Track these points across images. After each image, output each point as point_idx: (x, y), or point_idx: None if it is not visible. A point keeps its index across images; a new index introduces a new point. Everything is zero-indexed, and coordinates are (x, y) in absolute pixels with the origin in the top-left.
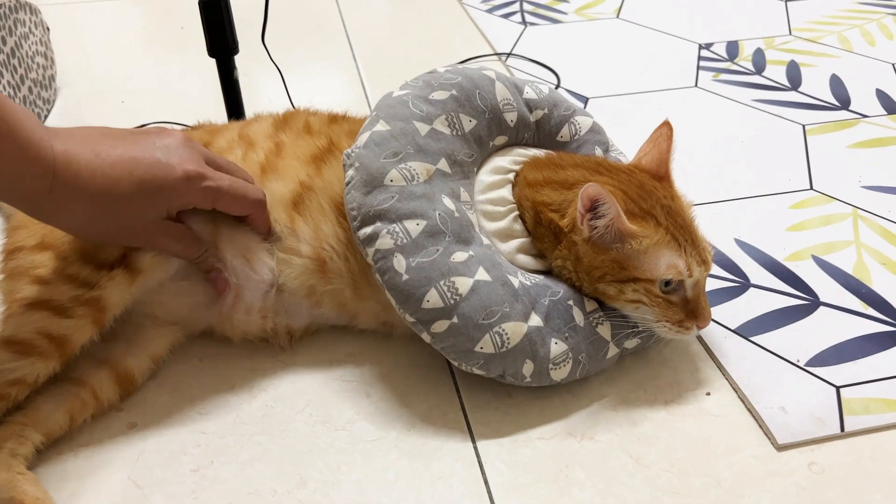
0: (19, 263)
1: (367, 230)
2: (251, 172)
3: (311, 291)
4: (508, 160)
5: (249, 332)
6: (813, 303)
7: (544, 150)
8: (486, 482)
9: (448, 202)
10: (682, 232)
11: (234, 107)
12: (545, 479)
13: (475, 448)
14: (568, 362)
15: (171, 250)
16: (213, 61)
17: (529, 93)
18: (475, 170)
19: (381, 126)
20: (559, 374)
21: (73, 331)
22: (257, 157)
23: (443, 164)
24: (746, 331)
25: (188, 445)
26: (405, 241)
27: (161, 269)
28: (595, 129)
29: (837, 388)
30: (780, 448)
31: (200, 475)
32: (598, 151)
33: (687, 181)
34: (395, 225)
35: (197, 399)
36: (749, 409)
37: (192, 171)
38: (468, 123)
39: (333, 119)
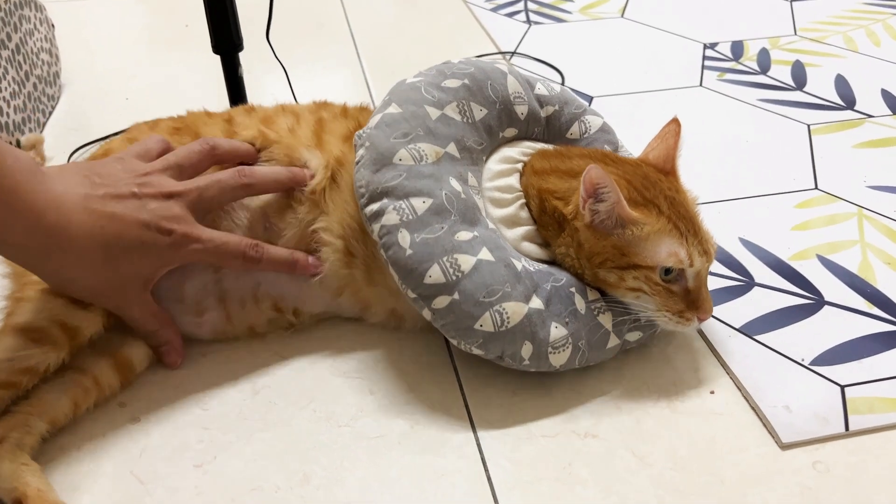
0: None
1: (374, 206)
2: (305, 142)
3: (338, 280)
4: (517, 151)
5: (253, 325)
6: (817, 302)
7: (553, 146)
8: (489, 479)
9: (455, 184)
10: (684, 222)
11: (239, 104)
12: (548, 477)
13: (478, 445)
14: (567, 347)
15: (140, 323)
16: (217, 58)
17: (541, 89)
18: (484, 158)
19: (393, 109)
20: (558, 360)
21: (86, 322)
22: (308, 126)
23: (452, 149)
24: (750, 329)
25: (191, 440)
26: (411, 217)
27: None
28: (605, 129)
29: (842, 387)
30: (785, 447)
31: (203, 470)
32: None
33: (692, 180)
34: (401, 202)
35: (200, 394)
36: (753, 408)
37: (180, 234)
38: (479, 112)
39: (364, 108)
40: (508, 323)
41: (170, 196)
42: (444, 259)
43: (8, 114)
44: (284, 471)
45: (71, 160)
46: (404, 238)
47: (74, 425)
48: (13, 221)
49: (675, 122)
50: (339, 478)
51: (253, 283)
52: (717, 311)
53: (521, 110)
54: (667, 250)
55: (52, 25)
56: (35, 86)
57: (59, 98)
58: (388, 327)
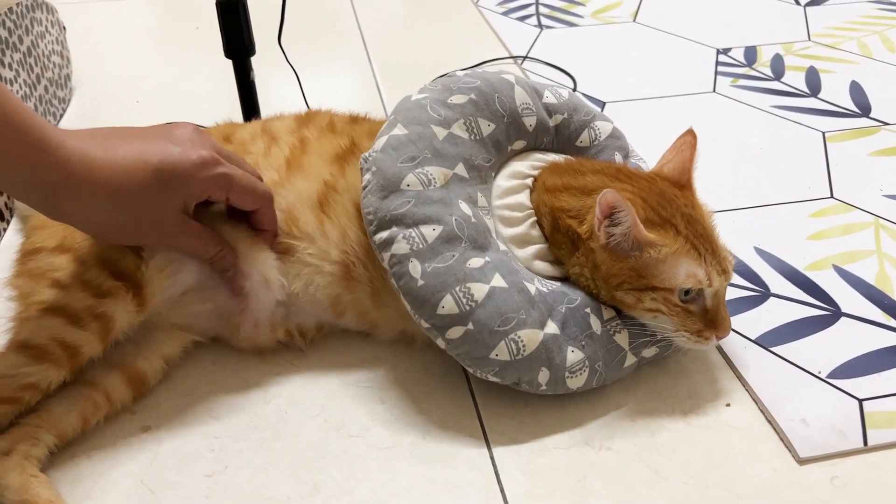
0: (38, 265)
1: (384, 235)
2: (276, 167)
3: (337, 301)
4: (527, 165)
5: (260, 345)
6: (834, 313)
7: (563, 156)
8: (502, 491)
9: (465, 207)
10: (702, 241)
11: (250, 108)
12: (562, 490)
13: (491, 456)
14: (584, 370)
15: (187, 248)
16: (228, 61)
17: (549, 97)
18: (493, 174)
19: (399, 130)
20: (575, 383)
21: (83, 342)
22: (282, 152)
23: (460, 169)
24: (767, 341)
25: (202, 450)
26: (421, 246)
27: (168, 289)
28: (615, 135)
29: (860, 400)
30: (802, 461)
31: (214, 480)
32: (618, 157)
33: (705, 188)
34: (411, 230)
35: (211, 403)
36: (769, 421)
37: (207, 155)
38: (486, 128)
39: (355, 119)
40: (524, 351)
41: (197, 132)
42: (457, 289)
43: None
44: (295, 481)
45: None
46: (415, 268)
47: (84, 434)
48: (38, 163)
49: (691, 134)
50: (350, 488)
51: (255, 313)
52: (733, 322)
53: (530, 122)
54: (685, 271)
55: (64, 28)
56: (46, 88)
57: (69, 100)
58: (398, 343)
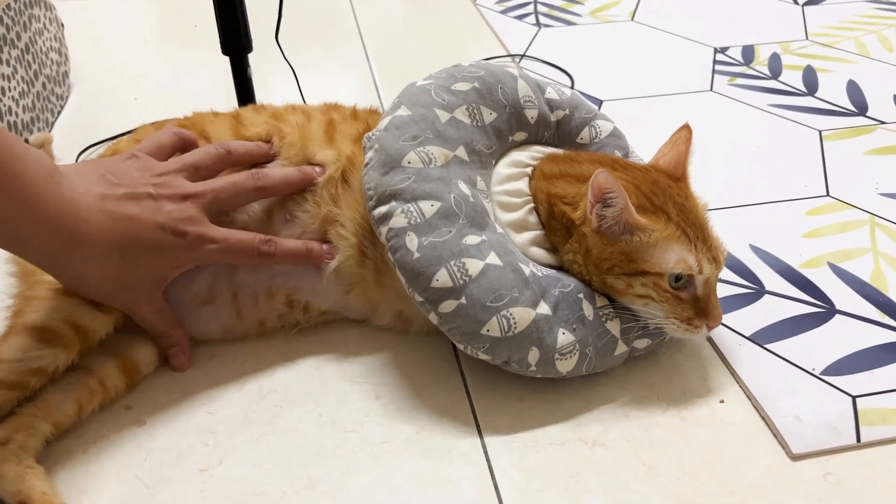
0: None
1: (383, 209)
2: (319, 134)
3: (351, 278)
4: (527, 155)
5: (268, 319)
6: (829, 311)
7: (563, 150)
8: (496, 487)
9: (464, 187)
10: (693, 229)
11: (247, 105)
12: (556, 485)
13: (485, 451)
14: (574, 354)
15: (145, 319)
16: (226, 59)
17: (551, 93)
18: (493, 162)
19: (403, 111)
20: (565, 366)
21: (98, 323)
22: (319, 125)
23: (461, 152)
24: (761, 338)
25: (197, 445)
26: (419, 220)
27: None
28: (615, 134)
29: (853, 397)
30: (795, 458)
31: (209, 474)
32: (618, 155)
33: (702, 186)
34: (409, 205)
35: (205, 398)
36: (763, 418)
37: (194, 236)
38: (488, 116)
39: (374, 111)
40: (515, 328)
41: (185, 198)
42: (452, 263)
43: (17, 113)
44: (290, 475)
45: (79, 160)
46: (412, 241)
47: (80, 428)
48: (32, 223)
49: (687, 129)
50: (345, 483)
51: (269, 275)
52: (727, 318)
53: (531, 114)
54: (675, 257)
55: (62, 25)
56: (44, 85)
57: (67, 98)
58: (394, 330)
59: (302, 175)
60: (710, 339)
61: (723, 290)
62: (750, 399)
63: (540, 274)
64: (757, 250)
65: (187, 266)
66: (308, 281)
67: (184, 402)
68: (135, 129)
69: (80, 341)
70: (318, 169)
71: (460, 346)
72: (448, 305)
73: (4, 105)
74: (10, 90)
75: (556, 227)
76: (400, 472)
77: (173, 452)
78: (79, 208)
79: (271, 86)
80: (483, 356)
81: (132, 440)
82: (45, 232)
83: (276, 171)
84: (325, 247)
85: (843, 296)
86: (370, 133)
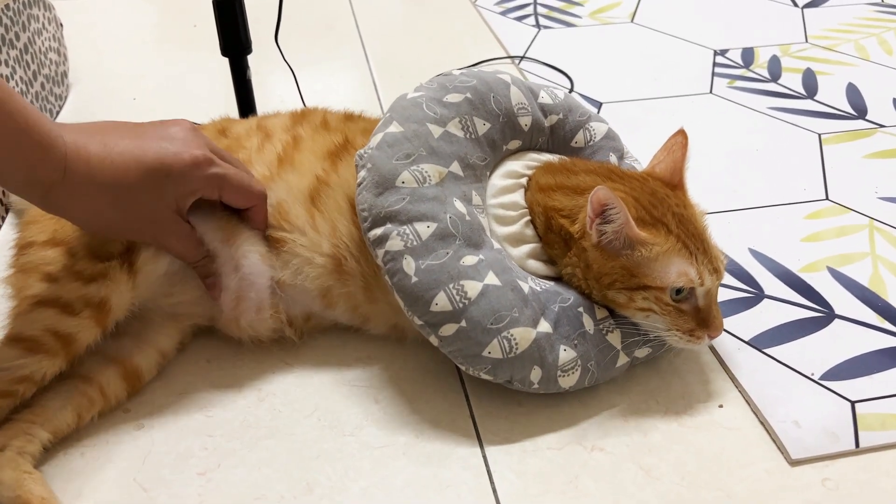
0: (30, 259)
1: (378, 231)
2: (268, 163)
3: (327, 292)
4: (522, 164)
5: (259, 333)
6: (828, 315)
7: (558, 156)
8: (494, 491)
9: (459, 205)
10: (693, 240)
11: (247, 106)
12: (554, 490)
13: (484, 456)
14: (577, 370)
15: (175, 249)
16: (225, 60)
17: (545, 97)
18: (488, 173)
19: (395, 128)
20: (567, 382)
21: (78, 330)
22: (274, 149)
23: (455, 167)
24: (760, 342)
25: (195, 448)
26: (415, 243)
27: (158, 264)
28: (610, 136)
29: (852, 402)
30: (794, 463)
31: (207, 478)
32: (613, 158)
33: (701, 189)
34: (405, 227)
35: (205, 401)
36: (762, 423)
37: (200, 155)
38: (482, 127)
39: (349, 117)
40: (517, 349)
41: (192, 131)
42: (451, 286)
43: None
44: (288, 479)
45: None
46: (409, 265)
47: (78, 431)
48: (37, 161)
49: (682, 134)
50: (344, 487)
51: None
52: (727, 323)
53: (525, 121)
54: (677, 270)
55: (61, 25)
56: (43, 85)
57: (66, 98)
58: (390, 339)
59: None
60: (709, 344)
61: (722, 295)
62: (749, 404)
63: (539, 289)
64: (756, 254)
65: (194, 187)
66: (298, 300)
67: (182, 406)
68: None
69: (63, 348)
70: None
71: (462, 368)
72: (448, 329)
73: None
74: None
75: (553, 240)
76: (399, 477)
77: (171, 456)
78: (87, 144)
79: (271, 86)
80: (485, 376)
81: (130, 443)
82: (53, 165)
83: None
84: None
85: (842, 300)
86: (362, 151)
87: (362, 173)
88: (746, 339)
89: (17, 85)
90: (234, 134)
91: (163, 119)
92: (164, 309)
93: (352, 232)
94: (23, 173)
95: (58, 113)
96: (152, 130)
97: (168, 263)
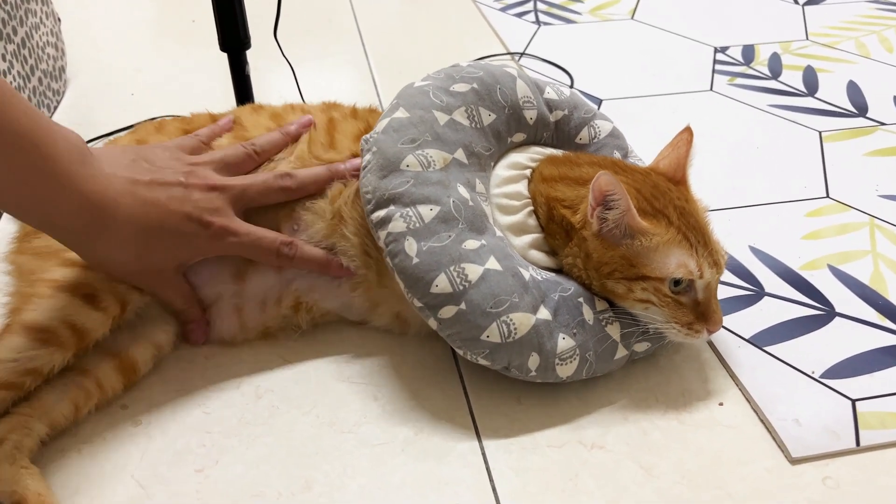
0: (48, 243)
1: (381, 213)
2: (320, 137)
3: (357, 277)
4: (526, 157)
5: (272, 327)
6: (828, 313)
7: (562, 151)
8: (493, 489)
9: (463, 191)
10: (694, 233)
11: (245, 102)
12: (554, 488)
13: (483, 454)
14: (574, 359)
15: (168, 298)
16: (224, 55)
17: (550, 93)
18: (492, 164)
19: (401, 113)
20: (565, 371)
21: (96, 323)
22: (321, 124)
23: (460, 154)
24: (760, 340)
25: (193, 445)
26: (418, 225)
27: None
28: (614, 134)
29: (853, 401)
30: (794, 461)
31: (205, 475)
32: (617, 155)
33: (701, 186)
34: (408, 209)
35: (202, 398)
36: (762, 421)
37: (219, 227)
38: (487, 117)
39: (373, 110)
40: (516, 334)
41: (214, 188)
42: (452, 268)
43: None
44: (286, 476)
45: None
46: (411, 246)
47: (75, 427)
48: (61, 202)
49: (688, 131)
50: (342, 484)
51: (285, 281)
52: (727, 320)
53: (531, 115)
54: (676, 261)
55: (59, 19)
56: (40, 80)
57: (64, 93)
58: (392, 332)
59: (330, 174)
60: (709, 342)
61: (722, 292)
62: (749, 402)
63: (539, 278)
64: (756, 252)
65: (209, 255)
66: (323, 281)
67: (180, 402)
68: (134, 128)
69: (76, 341)
70: (346, 165)
71: (460, 352)
72: (448, 311)
73: None
74: None
75: (555, 230)
76: (397, 474)
77: (169, 452)
78: (108, 190)
79: (269, 82)
80: (483, 362)
81: (128, 440)
82: (73, 212)
83: (305, 171)
84: (343, 264)
85: (842, 298)
86: (368, 135)
87: (367, 156)
88: (746, 337)
89: (15, 80)
90: (270, 111)
91: (178, 151)
92: (161, 306)
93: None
94: (40, 216)
95: (55, 108)
96: (176, 189)
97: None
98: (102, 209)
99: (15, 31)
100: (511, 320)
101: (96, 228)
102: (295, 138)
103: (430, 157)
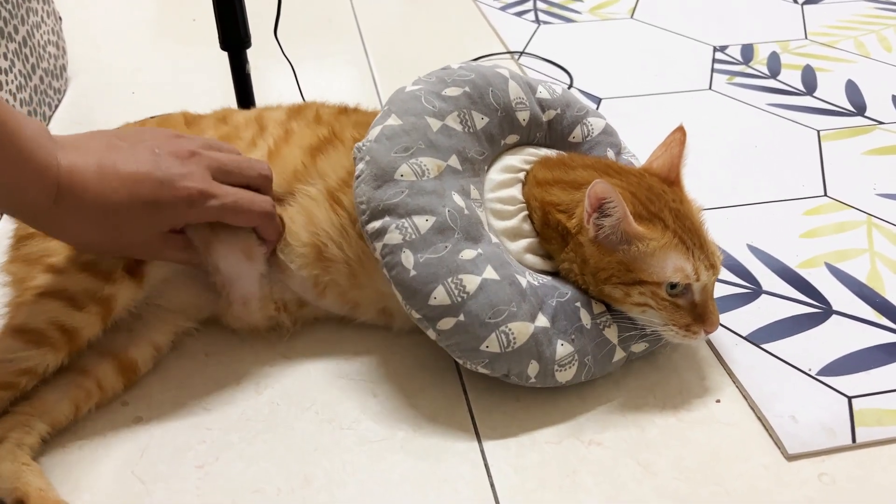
0: (32, 250)
1: (376, 224)
2: (260, 157)
3: (316, 281)
4: (519, 159)
5: (253, 323)
6: (825, 311)
7: (556, 151)
8: (492, 486)
9: (458, 199)
10: (690, 235)
11: (245, 101)
12: (552, 485)
13: (482, 451)
14: (573, 364)
15: (175, 259)
16: (224, 54)
17: (542, 92)
18: (486, 168)
19: (393, 121)
20: (564, 376)
21: (83, 325)
22: (266, 144)
23: (453, 161)
24: (757, 338)
25: (193, 441)
26: (414, 236)
27: (165, 267)
28: (607, 131)
29: (849, 398)
30: (791, 458)
31: (205, 471)
32: (611, 153)
33: (699, 185)
34: (404, 220)
35: (202, 395)
36: (759, 418)
37: (196, 191)
38: (480, 121)
39: (343, 111)
40: (515, 343)
41: (191, 155)
42: (449, 280)
43: (14, 106)
44: (286, 473)
45: None
46: (408, 258)
47: (76, 424)
48: (29, 184)
49: (681, 131)
50: (341, 481)
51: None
52: (724, 318)
53: (523, 116)
54: (673, 266)
55: (60, 18)
56: (41, 79)
57: (65, 91)
58: (378, 325)
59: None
60: (706, 340)
61: (719, 290)
62: (746, 399)
63: (536, 283)
64: (754, 250)
65: (190, 221)
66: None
67: (180, 399)
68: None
69: (67, 342)
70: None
71: (460, 361)
72: (446, 323)
73: (2, 99)
74: (7, 83)
75: (550, 235)
76: (396, 471)
77: (170, 449)
78: (76, 167)
79: (270, 81)
80: (483, 370)
81: (129, 436)
82: (43, 192)
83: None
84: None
85: (839, 296)
86: (360, 143)
87: (360, 166)
88: (744, 335)
89: (16, 79)
90: (234, 122)
91: (162, 133)
92: (161, 305)
93: (330, 218)
94: (11, 198)
95: (56, 107)
96: (149, 156)
97: (173, 267)
98: (71, 187)
99: (16, 30)
100: (510, 330)
101: (68, 208)
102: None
103: (424, 165)
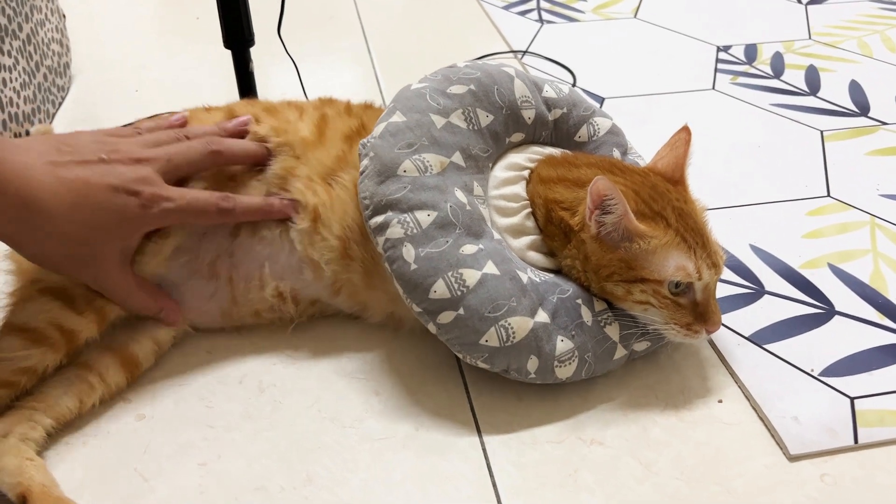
0: None
1: (379, 219)
2: (308, 135)
3: (336, 278)
4: (524, 157)
5: (262, 310)
6: (828, 312)
7: (561, 150)
8: (494, 484)
9: (460, 195)
10: (692, 234)
11: (248, 98)
12: (553, 483)
13: (484, 450)
14: (573, 360)
15: (121, 294)
16: (227, 52)
17: (549, 91)
18: (490, 165)
19: (398, 117)
20: (564, 373)
21: (81, 326)
22: (311, 120)
23: (457, 158)
24: (760, 338)
25: (196, 438)
26: (415, 231)
27: (159, 256)
28: (614, 131)
29: (852, 399)
30: (793, 458)
31: (207, 469)
32: (616, 153)
33: (702, 185)
34: (406, 215)
35: (205, 392)
36: (761, 418)
37: (148, 196)
38: (485, 118)
39: (369, 106)
40: (514, 338)
41: (138, 161)
42: (450, 274)
43: (18, 104)
44: (288, 471)
45: None
46: (409, 252)
47: (79, 421)
48: None
49: (686, 131)
50: (343, 479)
51: (257, 263)
52: (727, 319)
53: (529, 115)
54: (675, 264)
55: (63, 16)
56: (45, 76)
57: (68, 89)
58: (387, 328)
59: (259, 152)
60: (709, 339)
61: (722, 290)
62: (748, 399)
63: (538, 280)
64: (757, 250)
65: (145, 228)
66: (291, 271)
67: (183, 397)
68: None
69: (66, 342)
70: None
71: (459, 356)
72: (446, 316)
73: (5, 96)
74: (11, 81)
75: (554, 232)
76: (398, 469)
77: (172, 446)
78: (23, 176)
79: (273, 79)
80: (482, 365)
81: (132, 434)
82: None
83: (234, 141)
84: (285, 201)
85: (842, 297)
86: (365, 139)
87: (365, 161)
88: (746, 335)
89: (20, 76)
90: (264, 105)
91: (111, 140)
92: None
93: (356, 216)
94: None
95: (60, 104)
96: (97, 166)
97: (168, 250)
98: (22, 196)
99: (20, 28)
100: (509, 324)
101: (23, 220)
102: (231, 134)
103: (427, 161)
